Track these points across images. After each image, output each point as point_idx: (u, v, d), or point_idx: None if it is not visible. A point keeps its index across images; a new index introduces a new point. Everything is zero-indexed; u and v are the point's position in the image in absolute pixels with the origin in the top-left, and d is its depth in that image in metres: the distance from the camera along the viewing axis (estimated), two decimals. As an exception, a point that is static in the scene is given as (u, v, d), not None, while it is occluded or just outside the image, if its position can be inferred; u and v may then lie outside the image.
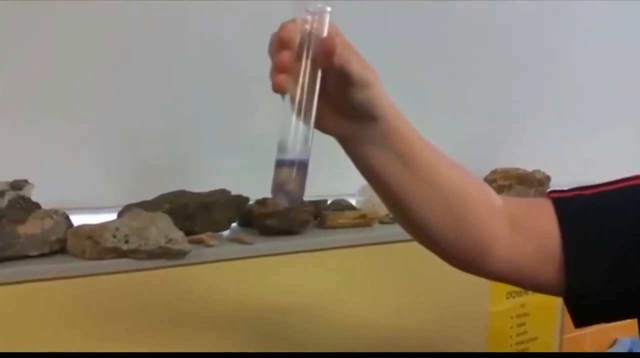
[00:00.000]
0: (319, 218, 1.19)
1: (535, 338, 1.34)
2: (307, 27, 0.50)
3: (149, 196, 1.02)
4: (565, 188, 0.65)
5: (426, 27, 1.37)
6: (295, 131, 0.49)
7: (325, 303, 1.10)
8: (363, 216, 1.21)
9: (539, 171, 1.40)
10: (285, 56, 0.49)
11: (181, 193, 1.01)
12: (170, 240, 0.88)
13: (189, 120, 1.13)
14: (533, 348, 1.34)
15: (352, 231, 1.17)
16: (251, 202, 1.09)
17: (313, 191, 1.22)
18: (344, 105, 0.54)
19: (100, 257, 0.88)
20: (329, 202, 1.25)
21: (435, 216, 0.59)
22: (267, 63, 1.15)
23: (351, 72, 0.51)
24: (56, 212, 0.93)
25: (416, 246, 1.24)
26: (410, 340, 1.19)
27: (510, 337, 1.31)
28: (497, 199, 0.62)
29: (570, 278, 0.58)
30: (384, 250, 1.18)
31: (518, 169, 1.39)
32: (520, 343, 1.32)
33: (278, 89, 0.49)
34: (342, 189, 1.29)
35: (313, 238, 1.10)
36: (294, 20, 0.50)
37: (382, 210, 1.26)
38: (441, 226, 0.59)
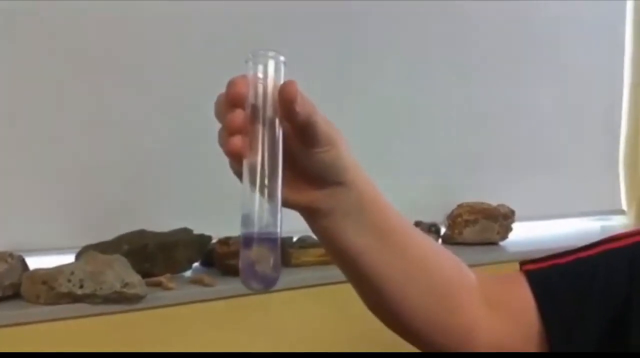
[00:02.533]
0: (284, 257, 1.18)
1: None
2: (260, 81, 0.42)
3: (109, 236, 1.00)
4: (538, 256, 0.60)
5: (400, 68, 1.40)
6: (261, 201, 0.41)
7: (292, 343, 1.08)
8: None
9: (503, 205, 1.41)
10: (238, 115, 0.41)
11: (141, 233, 1.00)
12: (126, 284, 0.86)
13: (151, 158, 1.12)
14: None
15: (318, 269, 1.16)
16: (214, 241, 1.07)
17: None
18: (308, 171, 0.46)
19: (55, 302, 0.86)
20: (294, 239, 1.24)
21: (419, 301, 0.52)
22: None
23: (316, 127, 0.43)
24: (11, 255, 0.90)
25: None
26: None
27: None
28: (472, 276, 0.57)
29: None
30: (351, 288, 1.17)
31: (483, 204, 1.41)
32: None
33: (233, 154, 0.42)
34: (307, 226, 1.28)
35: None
36: (243, 75, 0.43)
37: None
38: (424, 313, 0.53)
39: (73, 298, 0.86)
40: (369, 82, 1.37)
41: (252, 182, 0.41)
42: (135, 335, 0.90)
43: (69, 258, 0.97)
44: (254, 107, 0.42)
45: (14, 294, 0.89)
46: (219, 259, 1.04)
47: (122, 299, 0.86)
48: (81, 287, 0.85)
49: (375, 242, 0.50)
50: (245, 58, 0.43)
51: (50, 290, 0.86)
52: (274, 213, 0.41)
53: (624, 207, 1.88)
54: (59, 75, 1.03)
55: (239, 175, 0.44)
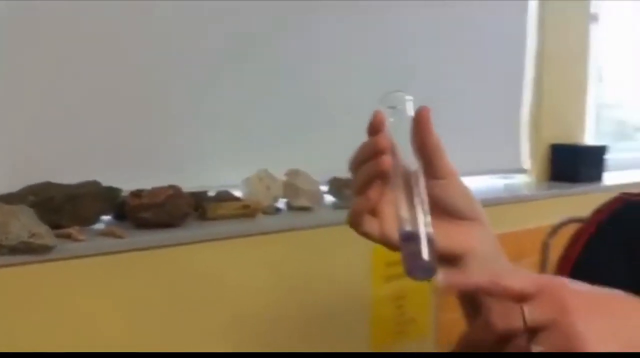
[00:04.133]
0: (200, 210, 1.17)
1: (414, 320, 1.41)
2: (392, 119, 0.48)
3: (14, 188, 0.96)
4: None
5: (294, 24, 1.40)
6: (416, 205, 0.46)
7: (206, 295, 1.09)
8: (246, 207, 1.21)
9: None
10: (384, 137, 0.46)
11: (47, 185, 0.96)
12: (33, 235, 0.84)
13: (60, 107, 1.07)
14: (412, 330, 1.41)
15: (235, 222, 1.17)
16: (125, 194, 1.05)
17: (195, 182, 1.22)
18: (447, 207, 0.50)
19: (-44, 254, 0.82)
20: (212, 193, 1.24)
21: None
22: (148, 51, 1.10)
23: (444, 153, 0.49)
24: None
25: (300, 235, 1.28)
26: (294, 326, 1.21)
27: (391, 318, 1.37)
28: None
29: None
30: (268, 240, 1.19)
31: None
32: (399, 324, 1.39)
33: (384, 170, 0.46)
34: (226, 181, 1.29)
35: (193, 230, 1.09)
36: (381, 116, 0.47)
37: (266, 200, 1.27)
38: None
39: (-24, 249, 0.82)
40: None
41: (405, 192, 0.46)
42: (45, 286, 0.88)
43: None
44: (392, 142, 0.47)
45: None
46: (131, 212, 1.02)
47: (29, 250, 0.84)
48: (-16, 237, 0.82)
49: None
50: (378, 101, 0.48)
51: (-49, 242, 0.82)
52: (426, 214, 0.47)
53: (526, 166, 2.00)
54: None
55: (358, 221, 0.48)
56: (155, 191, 1.03)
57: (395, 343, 1.39)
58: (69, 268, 0.89)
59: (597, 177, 2.05)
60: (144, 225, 1.03)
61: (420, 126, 0.48)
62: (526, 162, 2.00)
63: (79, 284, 0.91)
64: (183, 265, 1.05)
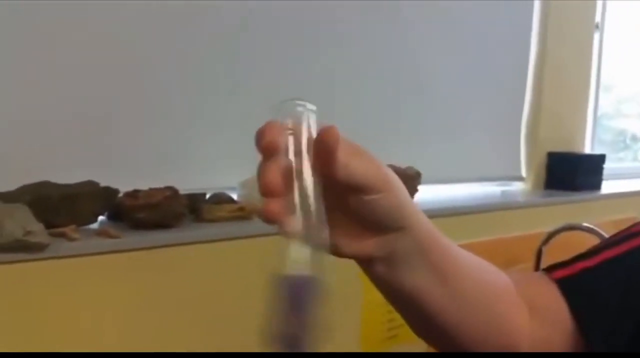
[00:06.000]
0: (196, 212, 1.18)
1: (405, 325, 1.42)
2: (291, 133, 0.39)
3: (11, 187, 0.97)
4: (564, 259, 0.59)
5: (309, 32, 1.41)
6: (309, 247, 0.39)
7: (200, 296, 1.10)
8: (242, 209, 1.22)
9: (411, 168, 1.48)
10: (275, 175, 0.37)
11: (44, 185, 0.97)
12: (28, 233, 0.85)
13: (55, 108, 1.08)
14: (403, 335, 1.42)
15: (231, 224, 1.18)
16: (121, 194, 1.06)
17: (191, 184, 1.23)
18: (368, 218, 0.43)
19: (-49, 251, 0.83)
20: (208, 195, 1.25)
21: (474, 329, 0.52)
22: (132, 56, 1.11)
23: (358, 175, 0.41)
24: None
25: (294, 239, 1.28)
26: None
27: (382, 323, 1.38)
28: (511, 284, 0.56)
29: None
30: (263, 243, 1.20)
31: (392, 166, 1.46)
32: (391, 329, 1.40)
33: (273, 221, 0.38)
34: (224, 182, 1.30)
35: (187, 231, 1.10)
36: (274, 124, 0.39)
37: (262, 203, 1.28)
38: (478, 338, 0.52)
39: (-29, 247, 0.83)
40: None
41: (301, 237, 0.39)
42: (38, 284, 0.89)
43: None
44: (288, 162, 0.39)
45: None
46: (127, 212, 1.04)
47: (23, 248, 0.85)
48: (-21, 235, 0.83)
49: (434, 282, 0.48)
50: (274, 109, 0.40)
51: (-53, 239, 0.83)
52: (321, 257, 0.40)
53: (523, 173, 2.01)
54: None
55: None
56: (151, 192, 1.04)
57: (386, 348, 1.40)
58: (62, 267, 0.90)
59: (594, 185, 2.06)
60: (139, 225, 1.04)
61: (324, 160, 0.39)
62: (524, 170, 2.01)
63: (72, 283, 0.92)
64: (177, 266, 1.06)
